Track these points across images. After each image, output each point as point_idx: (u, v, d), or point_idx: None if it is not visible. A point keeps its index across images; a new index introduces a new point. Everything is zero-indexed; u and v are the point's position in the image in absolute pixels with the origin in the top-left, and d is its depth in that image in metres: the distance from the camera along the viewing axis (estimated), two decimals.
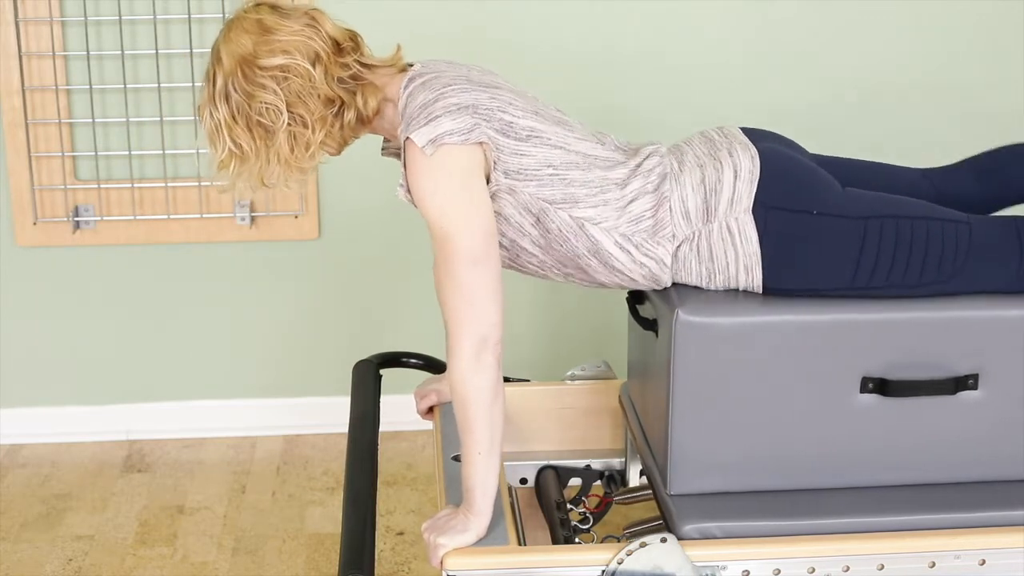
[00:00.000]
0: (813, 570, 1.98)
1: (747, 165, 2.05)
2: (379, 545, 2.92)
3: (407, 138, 1.99)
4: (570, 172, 2.05)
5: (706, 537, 1.99)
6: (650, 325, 2.13)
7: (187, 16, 3.21)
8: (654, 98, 3.35)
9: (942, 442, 2.07)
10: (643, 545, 1.94)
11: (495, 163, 2.02)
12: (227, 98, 2.03)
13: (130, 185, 3.30)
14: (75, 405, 3.50)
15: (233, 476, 3.31)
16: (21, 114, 3.24)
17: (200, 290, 3.44)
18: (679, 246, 2.05)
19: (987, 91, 3.39)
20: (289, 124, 2.03)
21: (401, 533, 3.03)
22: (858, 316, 2.01)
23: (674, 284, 2.09)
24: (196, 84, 3.24)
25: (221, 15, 3.21)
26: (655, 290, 2.12)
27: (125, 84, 3.24)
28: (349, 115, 2.07)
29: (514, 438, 2.46)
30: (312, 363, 3.51)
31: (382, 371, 2.55)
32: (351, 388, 2.46)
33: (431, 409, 2.47)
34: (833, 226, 2.02)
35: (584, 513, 2.38)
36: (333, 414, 3.34)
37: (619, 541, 2.06)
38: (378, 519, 2.79)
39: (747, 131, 2.17)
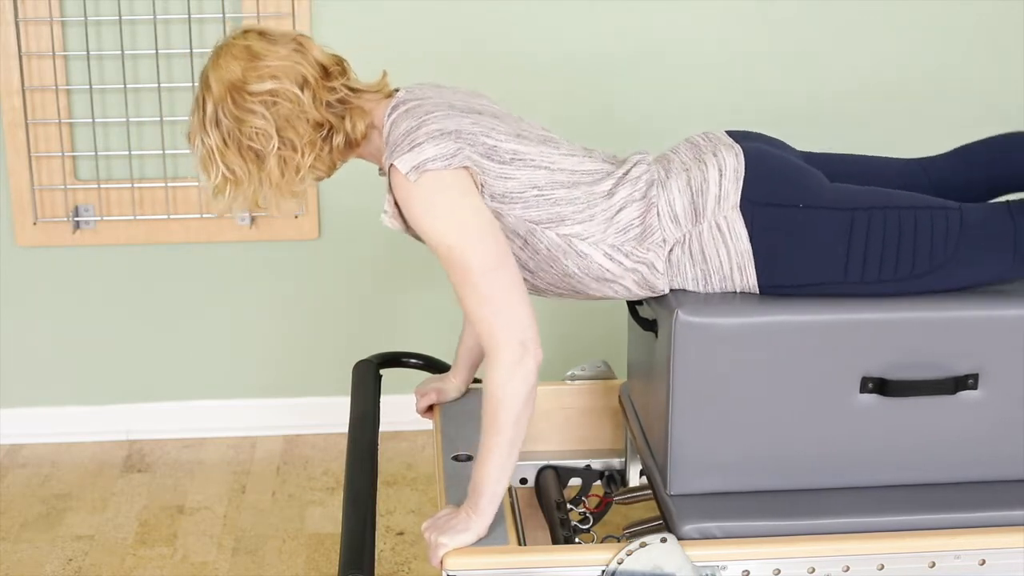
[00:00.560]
0: (813, 570, 1.98)
1: (732, 163, 2.05)
2: (379, 545, 2.92)
3: (391, 165, 2.00)
4: (555, 191, 2.05)
5: (706, 537, 1.99)
6: (650, 326, 2.13)
7: (187, 16, 3.21)
8: (653, 99, 3.35)
9: (942, 442, 2.07)
10: (643, 545, 1.94)
11: (482, 187, 2.03)
12: (218, 124, 2.05)
13: (130, 185, 3.30)
14: (75, 405, 3.50)
15: (233, 476, 3.32)
16: (21, 114, 3.24)
17: (200, 290, 3.44)
18: (671, 250, 2.05)
19: (987, 91, 3.39)
20: (279, 148, 2.04)
21: (401, 533, 3.04)
22: (858, 316, 2.01)
23: (672, 290, 2.09)
24: (196, 84, 3.24)
25: (221, 15, 3.21)
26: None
27: (125, 84, 3.24)
28: (338, 139, 2.09)
29: None
30: (312, 363, 3.51)
31: (382, 371, 2.55)
32: (351, 388, 2.46)
33: (431, 408, 2.47)
34: (820, 219, 2.02)
35: (584, 513, 2.38)
36: (333, 414, 3.34)
37: (619, 541, 2.06)
38: (378, 519, 2.79)
39: (732, 133, 2.18)
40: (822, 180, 2.08)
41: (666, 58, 3.33)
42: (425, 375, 2.60)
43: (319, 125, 2.07)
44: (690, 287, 2.07)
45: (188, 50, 3.23)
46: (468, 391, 2.48)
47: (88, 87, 3.25)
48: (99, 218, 3.33)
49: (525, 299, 1.98)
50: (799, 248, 2.02)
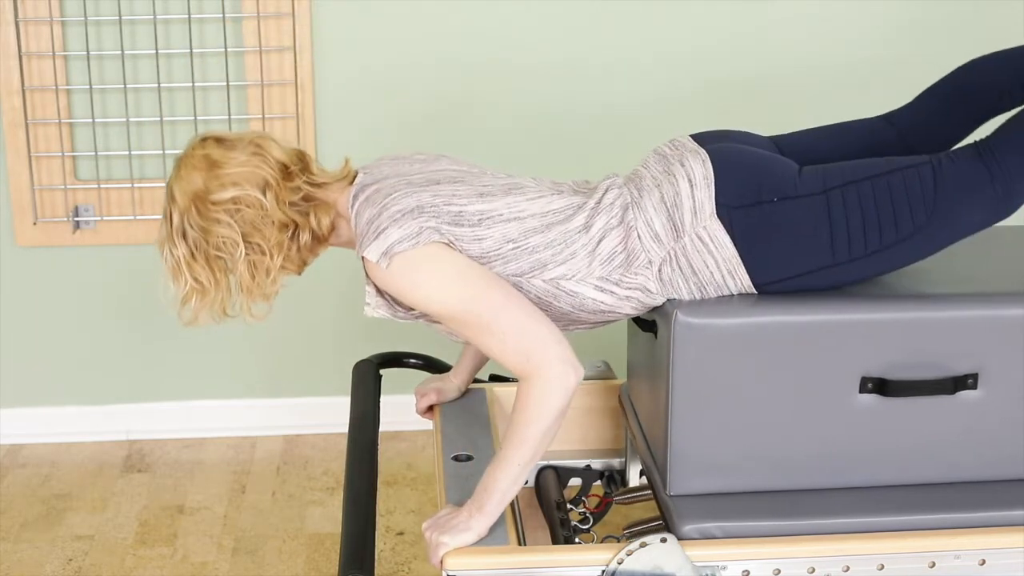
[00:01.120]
0: (813, 570, 1.98)
1: (700, 171, 2.05)
2: (379, 545, 2.92)
3: (363, 257, 2.00)
4: (530, 239, 2.05)
5: (706, 537, 1.99)
6: (649, 327, 2.13)
7: (187, 16, 3.21)
8: (653, 99, 3.35)
9: (942, 442, 2.07)
10: (643, 545, 1.94)
11: (460, 253, 2.03)
12: (184, 235, 2.06)
13: (130, 185, 3.30)
14: (75, 405, 3.50)
15: (233, 476, 3.32)
16: (21, 114, 3.24)
17: None
18: (660, 269, 2.05)
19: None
20: (247, 254, 2.06)
21: (401, 533, 3.04)
22: (857, 316, 2.01)
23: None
24: (196, 84, 3.25)
25: (221, 15, 3.21)
26: None
27: (125, 84, 3.24)
28: (305, 236, 2.10)
29: None
30: (312, 363, 3.51)
31: (382, 371, 2.55)
32: (351, 388, 2.46)
33: (431, 408, 2.47)
34: (798, 208, 2.02)
35: (584, 513, 2.38)
36: (333, 414, 3.34)
37: (619, 541, 2.06)
38: (378, 519, 2.79)
39: (698, 136, 2.18)
40: (790, 167, 2.07)
41: (666, 58, 3.33)
42: (425, 375, 2.60)
43: (284, 226, 2.08)
44: (686, 300, 2.07)
45: (188, 50, 3.23)
46: (468, 391, 2.48)
47: (88, 87, 3.25)
48: (99, 218, 3.33)
49: (544, 319, 1.98)
50: (784, 241, 2.02)
